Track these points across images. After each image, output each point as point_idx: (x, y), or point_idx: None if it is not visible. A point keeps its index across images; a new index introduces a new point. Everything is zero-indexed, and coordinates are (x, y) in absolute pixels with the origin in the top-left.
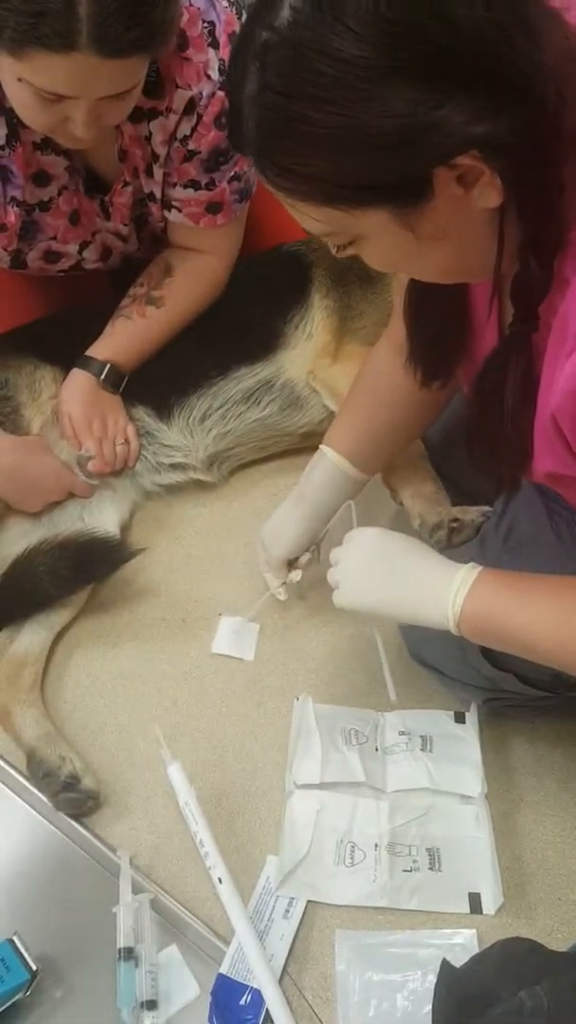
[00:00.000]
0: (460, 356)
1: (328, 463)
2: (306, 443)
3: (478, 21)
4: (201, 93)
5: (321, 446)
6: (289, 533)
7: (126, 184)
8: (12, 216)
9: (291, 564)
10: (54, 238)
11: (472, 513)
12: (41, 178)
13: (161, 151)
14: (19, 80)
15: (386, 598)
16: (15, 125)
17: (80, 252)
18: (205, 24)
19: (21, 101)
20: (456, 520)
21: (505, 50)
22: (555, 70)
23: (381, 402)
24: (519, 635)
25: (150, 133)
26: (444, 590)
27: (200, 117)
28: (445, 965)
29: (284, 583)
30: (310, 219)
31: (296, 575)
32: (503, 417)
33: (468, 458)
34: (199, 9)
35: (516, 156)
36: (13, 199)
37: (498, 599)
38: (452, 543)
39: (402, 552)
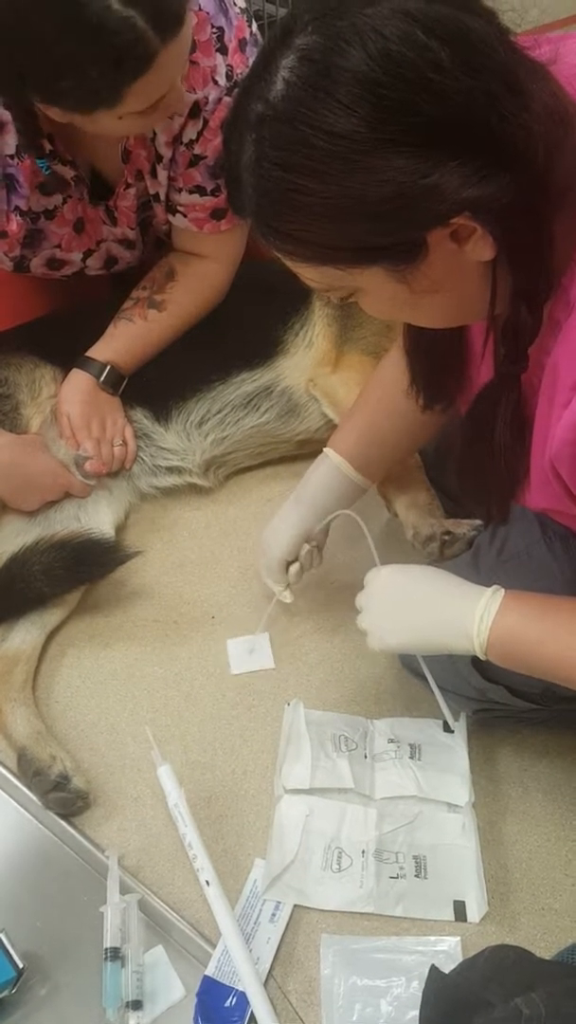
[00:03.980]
0: (459, 385)
1: (330, 465)
2: (302, 451)
3: (467, 91)
4: (207, 97)
5: (325, 449)
6: (286, 534)
7: (128, 186)
8: (15, 225)
9: (289, 565)
10: (58, 246)
11: (465, 527)
12: (47, 187)
13: (165, 152)
14: (120, 118)
15: (414, 636)
16: (33, 137)
17: (83, 260)
18: (214, 29)
19: (127, 130)
20: (449, 533)
21: (494, 117)
22: (543, 130)
23: (387, 411)
24: (550, 665)
25: (154, 134)
26: (468, 619)
27: (206, 122)
28: (433, 971)
29: (287, 586)
30: (309, 277)
31: (295, 567)
32: (493, 454)
33: (459, 489)
34: (208, 14)
35: (506, 213)
36: (17, 208)
37: (526, 627)
38: (444, 556)
39: (420, 586)
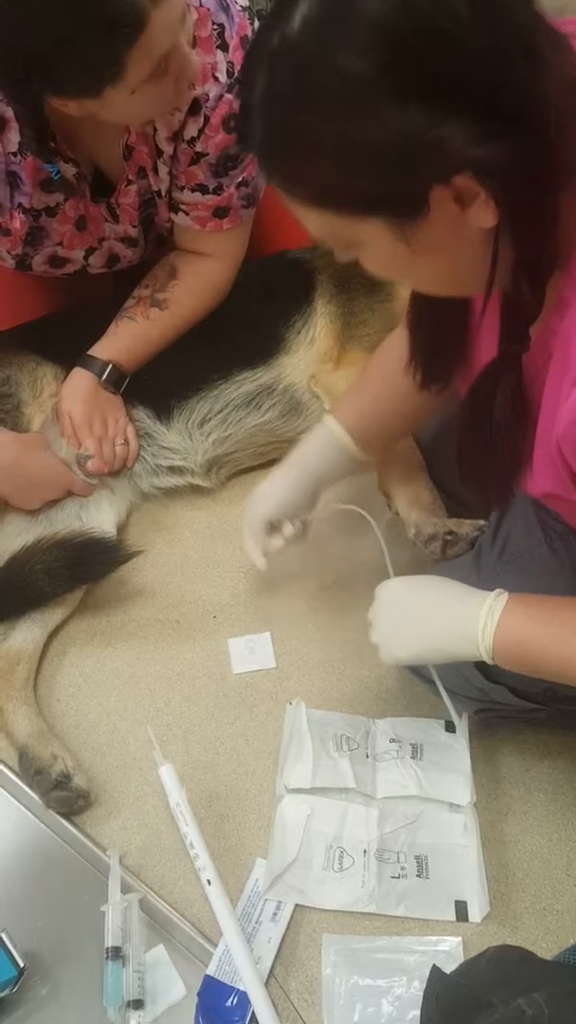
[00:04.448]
0: (458, 365)
1: (327, 432)
2: None
3: (482, 47)
4: (208, 94)
5: (324, 415)
6: (274, 493)
7: (129, 183)
8: (17, 222)
9: (273, 529)
10: (60, 244)
11: (467, 527)
12: (49, 184)
13: (166, 148)
14: (132, 94)
15: (422, 647)
16: (43, 142)
17: (86, 258)
18: (215, 26)
19: (143, 108)
20: (451, 533)
21: (506, 77)
22: (557, 101)
23: (390, 385)
24: (557, 667)
25: (155, 129)
26: (473, 626)
27: (208, 119)
28: (435, 971)
29: (264, 553)
30: (310, 222)
31: (277, 542)
32: (493, 435)
33: (459, 473)
34: (208, 10)
35: (511, 180)
36: (20, 205)
37: (530, 630)
38: (446, 556)
39: (426, 596)
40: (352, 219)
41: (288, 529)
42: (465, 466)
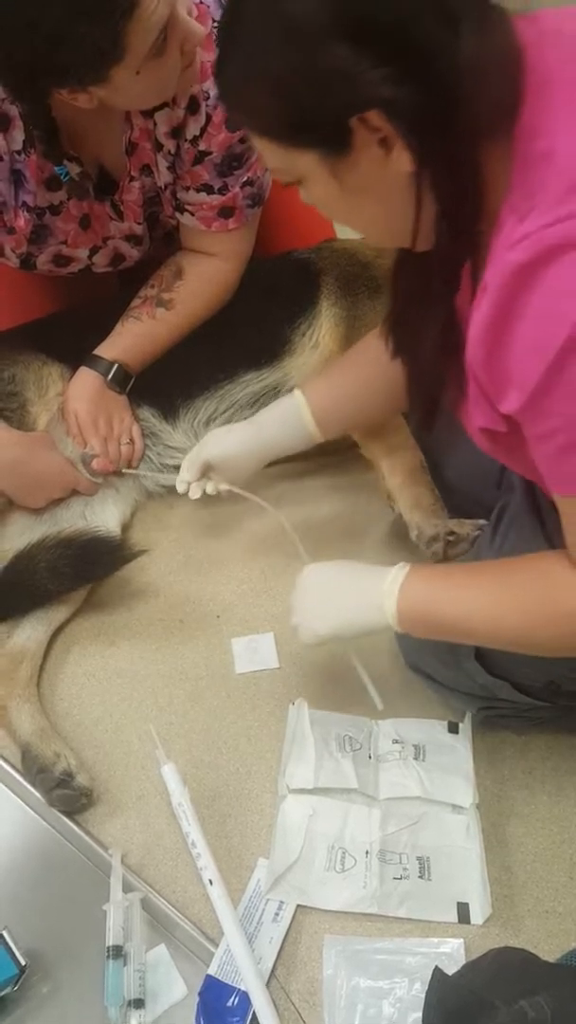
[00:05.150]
0: None
1: (291, 403)
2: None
3: (402, 4)
4: (208, 92)
5: (295, 388)
6: (225, 441)
7: (132, 179)
8: (22, 220)
9: (207, 471)
10: (64, 242)
11: (468, 527)
12: (53, 182)
13: (165, 142)
14: (138, 73)
15: (336, 621)
16: (39, 138)
17: (90, 257)
18: (215, 24)
19: (153, 89)
20: (452, 533)
21: (415, 29)
22: (472, 61)
23: (359, 366)
24: (456, 622)
25: (155, 124)
26: (378, 592)
27: (209, 117)
28: (437, 973)
29: (188, 485)
30: (265, 153)
31: (196, 492)
32: (420, 366)
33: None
34: (208, 7)
35: (421, 126)
36: (24, 204)
37: (429, 591)
38: (448, 556)
39: (337, 576)
40: (292, 150)
41: (212, 488)
42: (407, 392)
